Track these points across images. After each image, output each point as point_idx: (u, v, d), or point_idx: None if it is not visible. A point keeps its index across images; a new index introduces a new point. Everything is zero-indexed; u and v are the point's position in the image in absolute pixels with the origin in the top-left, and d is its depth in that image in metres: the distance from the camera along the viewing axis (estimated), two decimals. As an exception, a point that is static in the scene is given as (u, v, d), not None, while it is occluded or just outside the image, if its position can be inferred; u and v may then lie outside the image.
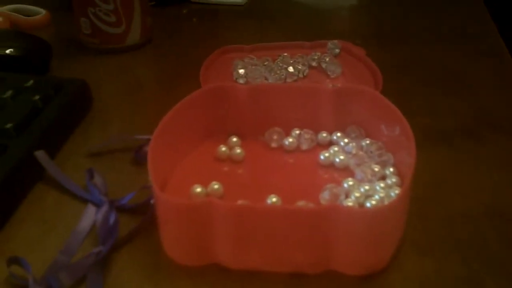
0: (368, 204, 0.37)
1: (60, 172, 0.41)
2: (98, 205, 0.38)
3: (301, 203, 0.37)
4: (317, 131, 0.45)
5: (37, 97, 0.46)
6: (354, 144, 0.43)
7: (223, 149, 0.44)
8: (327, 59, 0.57)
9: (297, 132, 0.45)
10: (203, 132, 0.45)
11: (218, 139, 0.45)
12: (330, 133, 0.45)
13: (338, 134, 0.45)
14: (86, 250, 0.35)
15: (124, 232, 0.36)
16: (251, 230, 0.32)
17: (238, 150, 0.43)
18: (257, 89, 0.45)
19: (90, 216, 0.37)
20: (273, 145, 0.45)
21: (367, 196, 0.38)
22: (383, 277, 0.33)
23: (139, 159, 0.44)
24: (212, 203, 0.32)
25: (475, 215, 0.38)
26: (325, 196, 0.38)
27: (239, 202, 0.37)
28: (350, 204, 0.37)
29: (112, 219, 0.36)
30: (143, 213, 0.38)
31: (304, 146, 0.45)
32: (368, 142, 0.43)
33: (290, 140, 0.44)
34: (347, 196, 0.38)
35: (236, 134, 0.45)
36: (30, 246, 0.36)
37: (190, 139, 0.44)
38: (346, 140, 0.44)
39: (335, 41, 0.61)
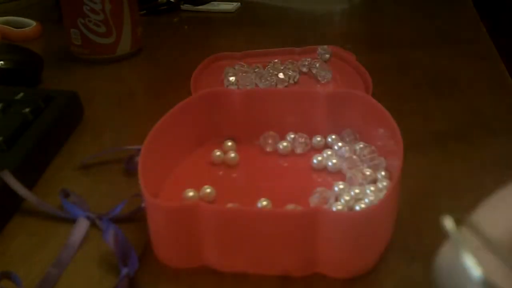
0: (357, 208, 0.37)
1: (28, 192, 0.40)
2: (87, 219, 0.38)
3: (290, 207, 0.37)
4: (311, 135, 0.45)
5: (27, 109, 0.46)
6: (347, 148, 0.43)
7: (218, 153, 0.44)
8: (318, 65, 0.57)
9: (292, 136, 0.45)
10: (198, 137, 0.45)
11: (213, 144, 0.45)
12: (325, 137, 0.45)
13: (333, 137, 0.45)
14: (80, 265, 0.35)
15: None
16: (236, 233, 0.32)
17: (233, 154, 0.43)
18: (251, 94, 0.46)
19: (81, 229, 0.37)
20: (268, 149, 0.45)
21: (357, 199, 0.38)
22: (374, 282, 0.33)
23: (130, 170, 0.44)
24: (199, 206, 0.32)
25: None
26: (314, 200, 0.38)
27: (229, 205, 0.37)
28: (339, 207, 0.37)
29: (121, 237, 0.36)
30: (137, 221, 0.38)
31: (299, 150, 0.45)
32: (361, 146, 0.43)
33: (285, 144, 0.45)
34: (337, 199, 0.38)
35: (232, 139, 0.45)
36: (21, 260, 0.36)
37: (184, 145, 0.44)
38: (340, 144, 0.44)
39: (325, 46, 0.61)
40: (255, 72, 0.57)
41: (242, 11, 0.81)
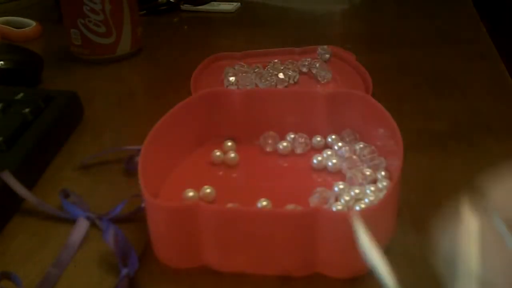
0: (357, 208, 0.37)
1: (28, 192, 0.40)
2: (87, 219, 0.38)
3: (290, 207, 0.37)
4: (311, 135, 0.45)
5: (27, 110, 0.46)
6: (347, 148, 0.43)
7: (218, 153, 0.44)
8: (318, 65, 0.57)
9: (292, 136, 0.45)
10: (198, 137, 0.45)
11: (213, 144, 0.45)
12: (325, 137, 0.45)
13: (333, 137, 0.45)
14: (80, 265, 0.35)
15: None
16: (236, 233, 0.32)
17: (232, 155, 0.43)
18: (251, 94, 0.46)
19: (81, 229, 0.37)
20: (268, 149, 0.45)
21: (357, 199, 0.38)
22: (374, 282, 0.33)
23: (130, 170, 0.44)
24: (198, 206, 0.32)
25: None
26: (314, 200, 0.38)
27: (229, 205, 0.37)
28: (339, 207, 0.37)
29: (121, 238, 0.36)
30: (137, 221, 0.38)
31: (299, 150, 0.45)
32: (361, 146, 0.43)
33: (285, 144, 0.45)
34: (337, 199, 0.38)
35: (232, 139, 0.45)
36: (21, 260, 0.36)
37: (184, 145, 0.44)
38: (340, 144, 0.44)
39: (325, 46, 0.61)
40: (255, 72, 0.57)
41: (242, 11, 0.81)
